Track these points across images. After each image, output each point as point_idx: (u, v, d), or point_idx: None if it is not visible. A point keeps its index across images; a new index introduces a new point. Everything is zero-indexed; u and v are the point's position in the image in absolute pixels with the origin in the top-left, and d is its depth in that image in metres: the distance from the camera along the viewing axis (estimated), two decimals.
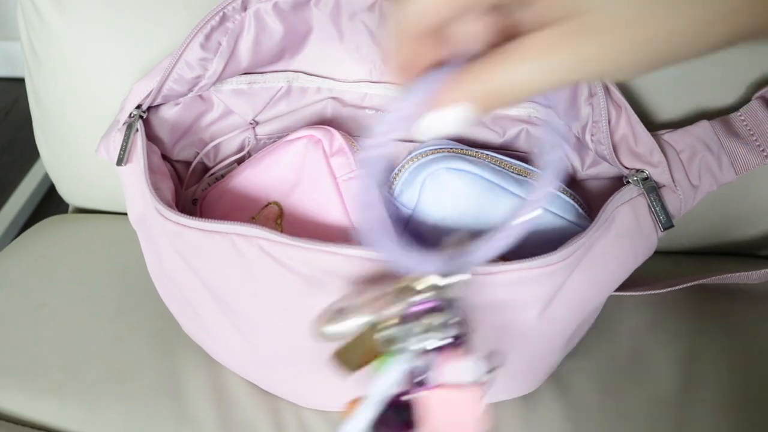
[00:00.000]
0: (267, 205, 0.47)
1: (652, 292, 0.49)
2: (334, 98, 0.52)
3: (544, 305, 0.39)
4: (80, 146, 0.59)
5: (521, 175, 0.45)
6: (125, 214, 0.62)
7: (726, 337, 0.49)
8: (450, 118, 0.23)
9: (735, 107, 0.46)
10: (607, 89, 0.43)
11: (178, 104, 0.49)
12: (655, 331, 0.50)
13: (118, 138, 0.46)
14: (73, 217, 0.63)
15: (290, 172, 0.47)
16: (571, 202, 0.45)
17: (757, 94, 0.46)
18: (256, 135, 0.52)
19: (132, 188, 0.45)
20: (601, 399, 0.46)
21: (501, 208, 0.44)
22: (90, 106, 0.56)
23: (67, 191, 0.64)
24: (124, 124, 0.46)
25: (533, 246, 0.45)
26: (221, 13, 0.44)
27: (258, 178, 0.48)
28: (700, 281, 0.49)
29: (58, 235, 0.60)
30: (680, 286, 0.49)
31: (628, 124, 0.44)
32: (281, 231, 0.45)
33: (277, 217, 0.46)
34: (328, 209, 0.45)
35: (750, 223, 0.54)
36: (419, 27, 0.22)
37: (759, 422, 0.44)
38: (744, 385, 0.46)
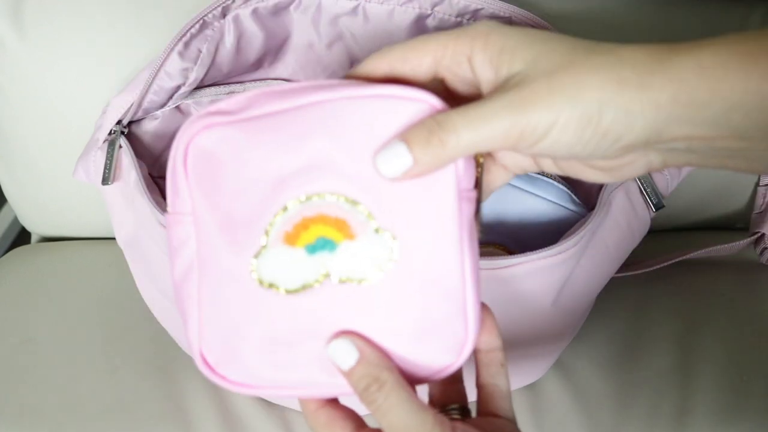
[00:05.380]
0: None
1: (643, 270, 0.51)
2: None
3: (557, 293, 0.40)
4: (45, 172, 0.56)
5: None
6: (94, 239, 0.60)
7: (715, 307, 0.52)
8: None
9: None
10: None
11: (156, 119, 0.47)
12: (647, 309, 0.52)
13: (99, 157, 0.44)
14: (40, 247, 0.60)
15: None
16: (565, 189, 0.46)
17: None
18: None
19: (119, 207, 0.43)
20: (605, 380, 0.47)
21: (505, 201, 0.44)
22: (54, 131, 0.54)
23: (30, 220, 0.60)
24: (104, 141, 0.44)
25: (536, 234, 0.46)
26: (201, 21, 0.43)
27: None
28: (687, 256, 0.51)
29: (29, 266, 0.57)
30: (669, 262, 0.51)
31: None
32: None
33: None
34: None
35: (725, 198, 0.57)
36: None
37: (758, 387, 0.46)
38: (740, 351, 0.48)
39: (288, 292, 0.25)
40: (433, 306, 0.25)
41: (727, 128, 0.22)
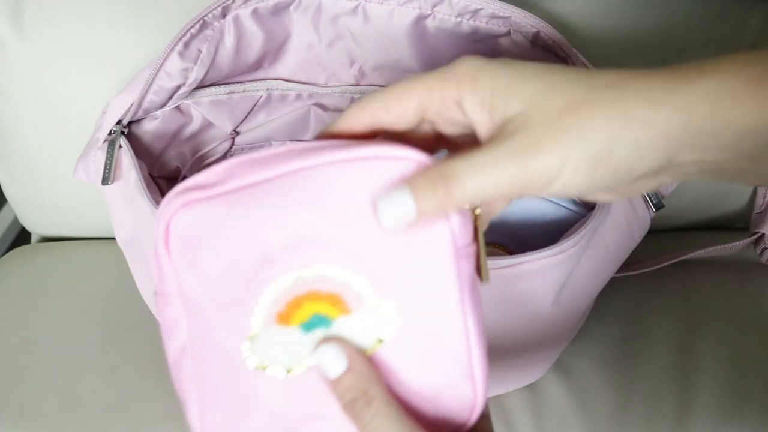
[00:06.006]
0: None
1: (643, 270, 0.51)
2: (316, 104, 0.51)
3: (557, 293, 0.40)
4: (45, 172, 0.56)
5: None
6: (94, 239, 0.60)
7: (715, 307, 0.52)
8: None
9: None
10: None
11: (156, 119, 0.47)
12: (647, 309, 0.52)
13: (99, 157, 0.44)
14: (40, 247, 0.60)
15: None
16: None
17: None
18: (233, 145, 0.51)
19: (119, 207, 0.43)
20: (605, 379, 0.47)
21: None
22: (54, 131, 0.54)
23: (30, 220, 0.60)
24: (104, 141, 0.44)
25: (536, 234, 0.46)
26: (201, 21, 0.43)
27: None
28: (687, 256, 0.51)
29: (29, 266, 0.57)
30: (669, 262, 0.51)
31: None
32: None
33: None
34: None
35: (725, 198, 0.57)
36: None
37: (759, 387, 0.46)
38: (740, 351, 0.48)
39: (287, 373, 0.24)
40: (438, 372, 0.24)
41: (738, 152, 0.22)
